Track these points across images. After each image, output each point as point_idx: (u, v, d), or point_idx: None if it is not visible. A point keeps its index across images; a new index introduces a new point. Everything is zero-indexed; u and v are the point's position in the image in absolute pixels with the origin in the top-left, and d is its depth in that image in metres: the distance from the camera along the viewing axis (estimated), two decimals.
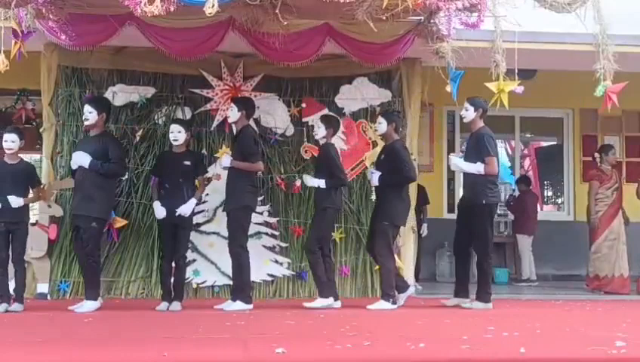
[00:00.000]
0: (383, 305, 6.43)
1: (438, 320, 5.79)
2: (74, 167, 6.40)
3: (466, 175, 6.77)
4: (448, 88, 6.57)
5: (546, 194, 12.21)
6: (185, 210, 6.41)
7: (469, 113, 6.58)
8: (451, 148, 10.03)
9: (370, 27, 5.62)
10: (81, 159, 6.28)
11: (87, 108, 6.41)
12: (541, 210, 10.57)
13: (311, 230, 6.76)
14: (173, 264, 6.52)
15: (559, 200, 11.37)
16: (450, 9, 5.73)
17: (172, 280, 6.51)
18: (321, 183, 6.54)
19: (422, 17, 6.33)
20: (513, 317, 6.01)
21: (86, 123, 6.42)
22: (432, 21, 6.22)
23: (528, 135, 11.54)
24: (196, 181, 6.65)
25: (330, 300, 6.47)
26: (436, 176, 9.81)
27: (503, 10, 6.25)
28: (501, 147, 14.07)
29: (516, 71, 6.47)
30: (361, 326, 5.17)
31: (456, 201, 10.61)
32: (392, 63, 7.08)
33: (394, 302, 6.46)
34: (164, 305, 6.42)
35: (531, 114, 10.20)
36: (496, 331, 4.93)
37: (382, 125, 6.66)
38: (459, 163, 6.65)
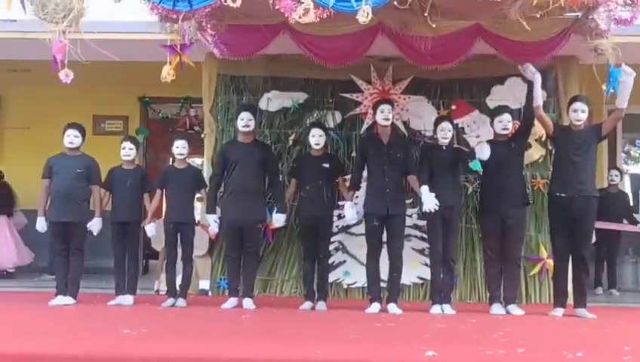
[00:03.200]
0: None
1: (600, 328, 5.54)
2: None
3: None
4: (604, 87, 6.26)
5: None
6: (348, 215, 6.63)
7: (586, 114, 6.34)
8: (612, 151, 9.53)
9: (523, 26, 5.47)
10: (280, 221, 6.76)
11: (247, 115, 6.65)
12: None
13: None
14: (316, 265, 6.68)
15: None
16: (609, 4, 5.47)
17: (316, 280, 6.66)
18: None
19: (579, 14, 6.07)
20: None
21: (246, 130, 6.67)
22: (590, 17, 5.95)
23: None
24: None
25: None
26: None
27: None
28: None
29: None
30: (516, 333, 5.04)
31: None
32: (547, 62, 6.85)
33: None
34: (307, 304, 6.58)
35: None
36: None
37: None
38: None
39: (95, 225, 6.64)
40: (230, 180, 6.64)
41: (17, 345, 4.27)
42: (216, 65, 7.68)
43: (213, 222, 6.65)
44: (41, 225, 6.57)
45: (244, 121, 6.63)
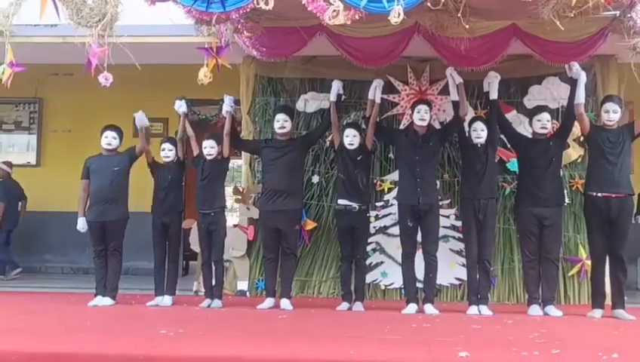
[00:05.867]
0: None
1: (638, 329, 5.46)
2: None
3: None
4: None
5: None
6: None
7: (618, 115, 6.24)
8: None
9: (558, 26, 5.42)
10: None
11: (282, 116, 6.73)
12: None
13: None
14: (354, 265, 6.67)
15: None
16: None
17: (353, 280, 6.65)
18: None
19: (617, 12, 5.99)
20: None
21: (282, 131, 6.75)
22: (627, 15, 5.86)
23: None
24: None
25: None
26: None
27: None
28: None
29: None
30: (552, 334, 5.01)
31: None
32: (585, 61, 6.78)
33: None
34: (344, 305, 6.58)
35: None
36: None
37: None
38: None
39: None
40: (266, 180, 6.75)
41: (56, 344, 4.40)
42: (253, 67, 7.77)
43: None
44: (81, 224, 6.72)
45: (280, 123, 6.71)
